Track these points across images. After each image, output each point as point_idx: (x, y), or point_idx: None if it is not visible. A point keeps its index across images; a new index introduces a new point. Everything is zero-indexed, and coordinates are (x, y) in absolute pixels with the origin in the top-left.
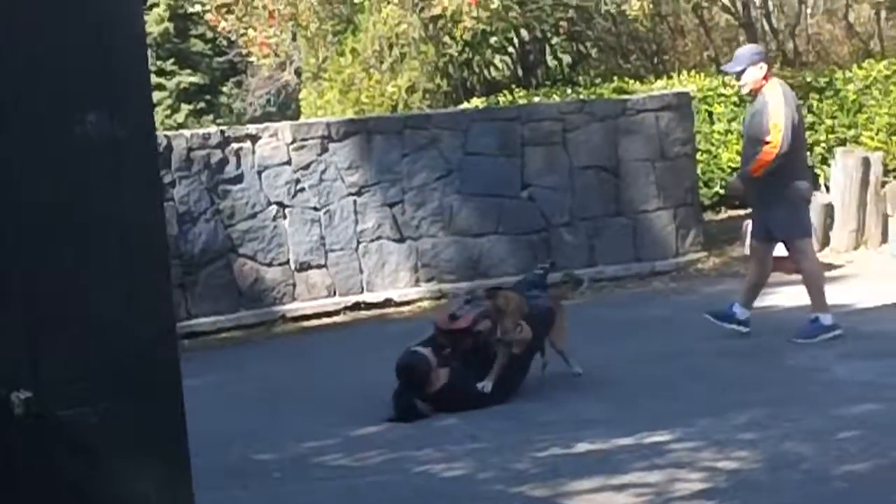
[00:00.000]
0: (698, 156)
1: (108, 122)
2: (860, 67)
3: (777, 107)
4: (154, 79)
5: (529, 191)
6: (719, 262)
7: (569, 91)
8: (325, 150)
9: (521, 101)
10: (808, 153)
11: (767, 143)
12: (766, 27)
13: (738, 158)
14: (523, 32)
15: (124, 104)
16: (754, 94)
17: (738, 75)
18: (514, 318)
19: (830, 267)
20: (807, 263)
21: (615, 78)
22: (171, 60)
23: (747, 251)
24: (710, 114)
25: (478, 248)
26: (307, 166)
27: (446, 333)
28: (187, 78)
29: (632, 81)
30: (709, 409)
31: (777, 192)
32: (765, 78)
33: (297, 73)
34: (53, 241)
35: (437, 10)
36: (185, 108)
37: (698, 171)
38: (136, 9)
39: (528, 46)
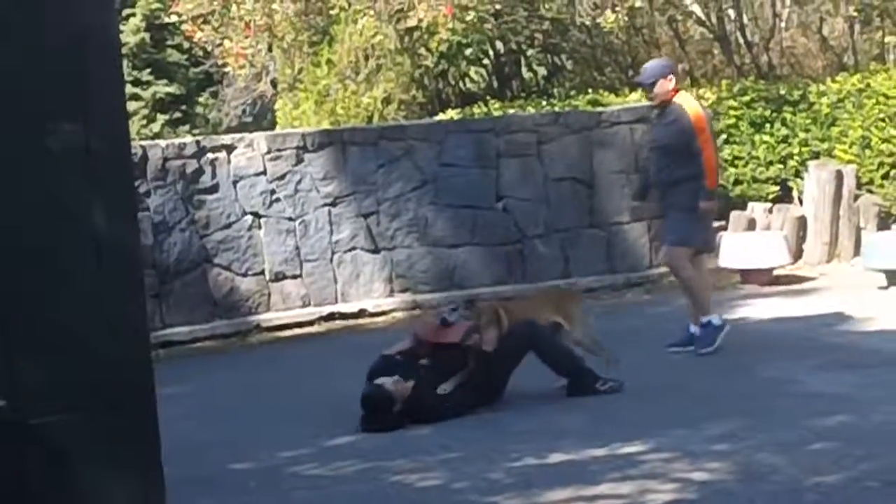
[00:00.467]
0: None
1: (82, 131)
2: (834, 81)
3: (698, 114)
4: (130, 89)
5: (504, 202)
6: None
7: (544, 103)
8: (300, 160)
9: (496, 113)
10: (783, 166)
11: (701, 151)
12: (741, 40)
13: None
14: (498, 44)
15: (98, 114)
16: (663, 106)
17: (650, 88)
18: (495, 329)
19: (803, 279)
20: (684, 273)
21: (590, 90)
22: (148, 70)
23: (720, 263)
24: None
25: (452, 259)
26: (282, 177)
27: (431, 345)
28: (163, 88)
29: (606, 94)
30: (682, 420)
31: (681, 201)
32: (674, 90)
33: (273, 83)
34: (26, 249)
35: (412, 22)
36: (161, 118)
37: None
38: (110, 19)
39: (503, 58)
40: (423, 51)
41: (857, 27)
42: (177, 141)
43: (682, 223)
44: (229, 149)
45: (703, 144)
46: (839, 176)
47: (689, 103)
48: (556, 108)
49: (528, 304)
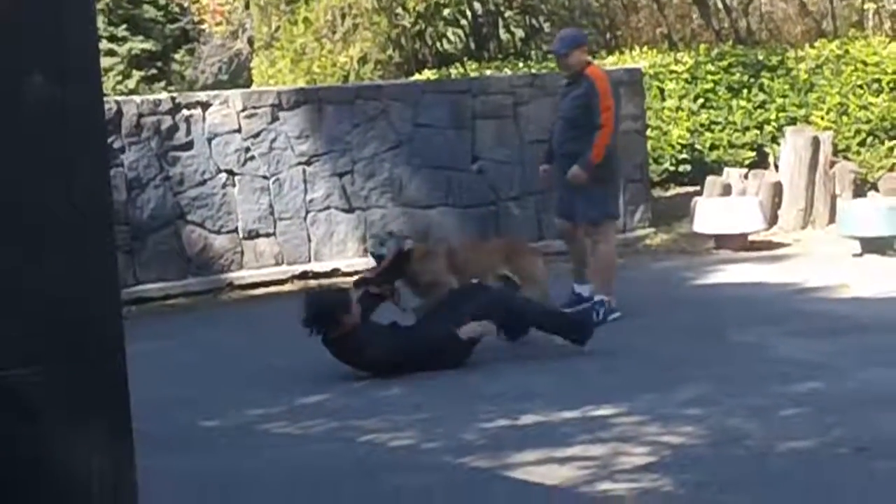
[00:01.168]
0: (648, 132)
1: (55, 84)
2: (812, 47)
3: (607, 90)
4: (105, 45)
5: (479, 164)
6: (667, 238)
7: (521, 65)
8: (275, 118)
9: (472, 74)
10: (759, 131)
11: (601, 126)
12: (720, 4)
13: (689, 135)
14: (476, 5)
15: (72, 67)
16: (576, 77)
17: (563, 57)
18: (426, 267)
19: (777, 245)
20: (605, 246)
21: None
22: (124, 26)
23: (695, 228)
24: (662, 90)
25: (427, 220)
26: (257, 135)
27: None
28: (139, 44)
29: None
30: (654, 384)
31: (594, 175)
32: (586, 63)
33: (250, 41)
34: None
35: None
36: (137, 74)
37: (648, 148)
38: None
39: (480, 19)
40: (400, 10)
41: None
42: (152, 97)
43: (599, 197)
44: (204, 106)
45: (604, 121)
46: (816, 142)
47: (600, 80)
48: (534, 71)
49: (479, 254)
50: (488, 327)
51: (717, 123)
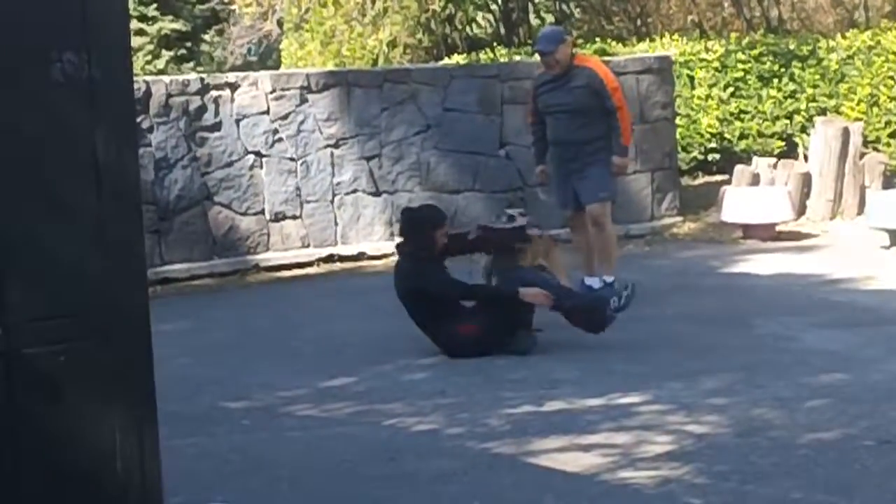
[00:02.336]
0: (678, 120)
1: (85, 62)
2: (844, 37)
3: (608, 72)
4: (135, 24)
5: (507, 149)
6: (694, 227)
7: None
8: (304, 101)
9: (502, 60)
10: (789, 121)
11: (617, 108)
12: None
13: (718, 124)
14: None
15: (101, 46)
16: (567, 69)
17: (552, 54)
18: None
19: (805, 236)
20: (610, 226)
21: (598, 39)
22: (154, 6)
23: (723, 217)
24: (692, 78)
25: (454, 205)
26: (285, 116)
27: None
28: (169, 24)
29: (614, 43)
30: (678, 373)
31: (601, 158)
32: (573, 54)
33: (279, 23)
34: (25, 179)
35: None
36: (166, 54)
37: (677, 136)
38: None
39: (511, 4)
40: None
41: None
42: (181, 77)
43: (605, 178)
44: (233, 87)
45: (618, 103)
46: (845, 133)
47: (598, 65)
48: None
49: (537, 244)
50: (547, 299)
51: (746, 112)
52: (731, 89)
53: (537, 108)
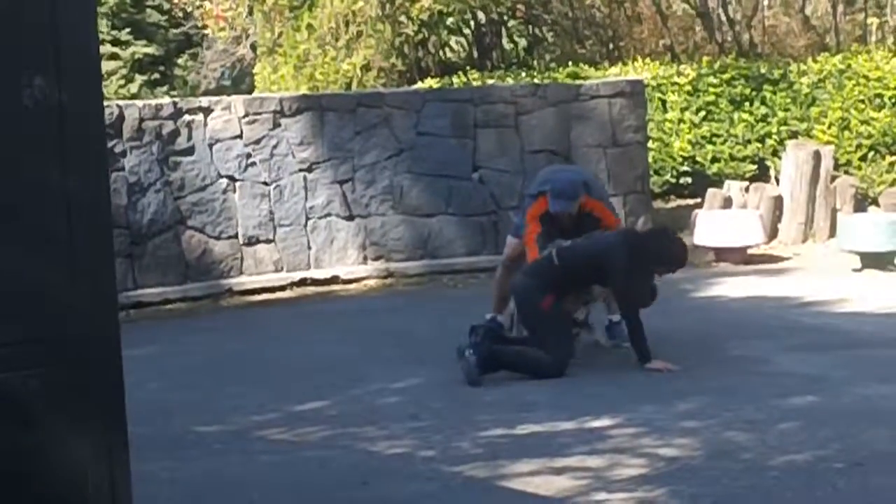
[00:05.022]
0: (650, 144)
1: (55, 87)
2: (815, 61)
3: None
4: (108, 48)
5: (480, 173)
6: None
7: (523, 75)
8: (277, 125)
9: (475, 84)
10: (761, 144)
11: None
12: (723, 17)
13: (690, 147)
14: (480, 14)
15: (72, 70)
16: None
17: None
18: None
19: (777, 259)
20: None
21: (570, 63)
22: (127, 30)
23: (695, 241)
24: (664, 102)
25: (427, 228)
26: (258, 141)
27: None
28: (142, 49)
29: (586, 67)
30: (651, 396)
31: None
32: None
33: (253, 47)
34: None
35: None
36: (140, 78)
37: (650, 159)
38: None
39: (484, 29)
40: (403, 19)
41: (839, 7)
42: (154, 102)
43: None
44: (206, 111)
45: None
46: (817, 156)
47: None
48: (536, 80)
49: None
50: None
51: (718, 136)
52: (702, 113)
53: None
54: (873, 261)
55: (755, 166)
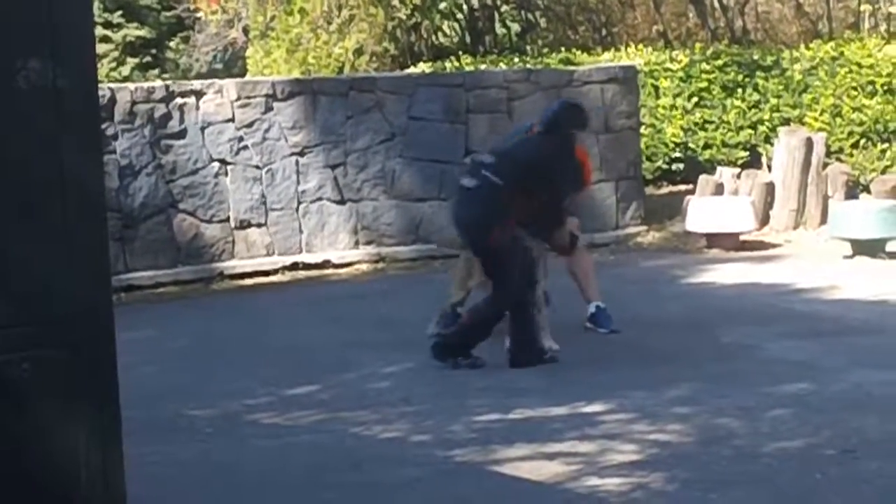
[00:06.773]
0: (642, 130)
1: (50, 70)
2: (808, 48)
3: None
4: (100, 31)
5: (472, 157)
6: (659, 236)
7: (516, 60)
8: (269, 108)
9: (468, 68)
10: (753, 131)
11: None
12: (716, 3)
13: (682, 134)
14: None
15: (67, 53)
16: None
17: None
18: None
19: (769, 246)
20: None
21: (563, 49)
22: (119, 13)
23: (687, 227)
24: (656, 88)
25: (419, 213)
26: (251, 124)
27: None
28: (134, 31)
29: (579, 53)
30: (643, 382)
31: None
32: None
33: (245, 30)
34: None
35: None
36: (131, 61)
37: (642, 145)
38: None
39: (477, 13)
40: (396, 3)
41: None
42: (146, 85)
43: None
44: (198, 94)
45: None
46: (809, 143)
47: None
48: (529, 66)
49: None
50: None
51: (710, 122)
52: (695, 99)
53: None
54: (864, 248)
55: (747, 153)
